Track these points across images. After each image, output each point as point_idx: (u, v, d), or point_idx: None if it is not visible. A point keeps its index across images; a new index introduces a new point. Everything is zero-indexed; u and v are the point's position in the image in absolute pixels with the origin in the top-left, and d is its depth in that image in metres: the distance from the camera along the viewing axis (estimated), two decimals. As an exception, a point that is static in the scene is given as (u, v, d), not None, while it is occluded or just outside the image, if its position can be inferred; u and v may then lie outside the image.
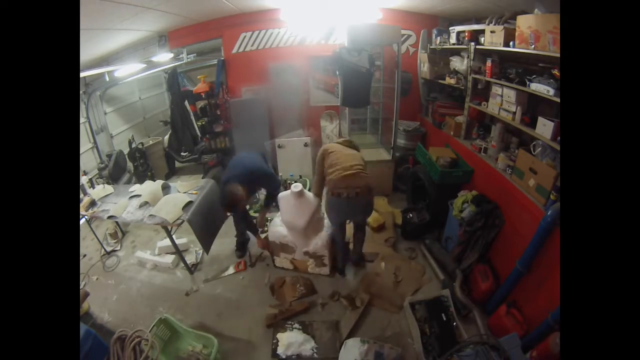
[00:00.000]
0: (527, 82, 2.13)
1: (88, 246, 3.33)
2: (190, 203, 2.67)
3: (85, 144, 4.12)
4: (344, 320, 2.32)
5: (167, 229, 2.62)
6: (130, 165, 4.42)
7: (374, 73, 3.17)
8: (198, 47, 4.15)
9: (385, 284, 2.62)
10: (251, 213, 3.70)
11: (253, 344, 2.22)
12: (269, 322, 2.30)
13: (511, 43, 2.24)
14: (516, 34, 2.17)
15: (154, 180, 3.17)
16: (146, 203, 2.70)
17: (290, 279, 2.66)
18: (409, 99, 4.00)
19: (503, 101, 2.43)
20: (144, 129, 5.53)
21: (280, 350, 2.10)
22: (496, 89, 2.51)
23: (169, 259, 2.98)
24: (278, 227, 2.69)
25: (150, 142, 4.68)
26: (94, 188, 3.20)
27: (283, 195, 2.59)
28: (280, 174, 4.10)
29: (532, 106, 2.31)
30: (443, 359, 1.74)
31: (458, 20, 3.51)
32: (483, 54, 2.72)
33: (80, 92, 3.97)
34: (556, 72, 1.91)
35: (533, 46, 2.01)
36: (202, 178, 3.93)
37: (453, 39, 3.19)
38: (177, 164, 5.09)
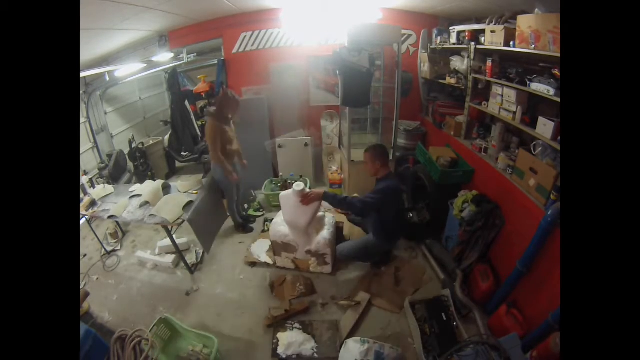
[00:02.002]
0: (528, 82, 2.12)
1: (88, 246, 3.34)
2: (190, 203, 2.67)
3: (85, 144, 4.12)
4: (344, 320, 2.32)
5: (167, 228, 2.63)
6: (130, 165, 4.43)
7: (374, 73, 3.17)
8: (198, 47, 4.15)
9: (385, 284, 2.62)
10: (251, 212, 3.72)
11: (253, 344, 2.22)
12: (269, 322, 2.31)
13: (511, 43, 2.24)
14: (516, 33, 2.17)
15: (155, 180, 3.18)
16: (146, 203, 2.70)
17: (290, 277, 2.66)
18: (410, 98, 4.00)
19: (503, 101, 2.42)
20: (144, 128, 5.53)
21: (280, 350, 2.10)
22: (496, 89, 2.51)
23: (170, 258, 2.98)
24: (280, 226, 2.70)
25: (151, 142, 4.68)
26: (94, 188, 3.20)
27: (284, 194, 2.59)
28: (280, 174, 4.11)
29: (533, 106, 2.31)
30: (443, 359, 1.74)
31: (458, 20, 3.50)
32: (483, 54, 2.72)
33: (81, 92, 3.97)
34: (556, 72, 1.91)
35: (533, 46, 2.01)
36: (203, 178, 3.93)
37: (453, 39, 3.19)
38: (178, 164, 5.09)
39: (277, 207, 2.96)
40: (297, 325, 2.27)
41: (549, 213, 1.77)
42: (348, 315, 2.35)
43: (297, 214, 2.51)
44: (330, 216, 2.88)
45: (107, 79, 3.68)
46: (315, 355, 2.09)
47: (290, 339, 2.13)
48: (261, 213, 3.71)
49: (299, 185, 2.46)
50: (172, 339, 2.14)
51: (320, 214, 2.69)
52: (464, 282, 2.44)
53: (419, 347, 2.04)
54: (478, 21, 2.98)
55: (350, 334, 2.20)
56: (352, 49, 3.00)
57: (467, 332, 2.07)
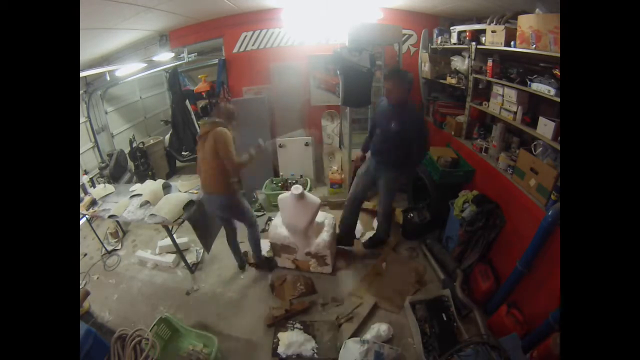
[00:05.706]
0: (528, 82, 2.12)
1: (89, 245, 3.34)
2: (191, 202, 2.67)
3: (86, 144, 4.12)
4: (346, 323, 2.31)
5: (167, 228, 2.63)
6: (131, 164, 4.43)
7: (375, 73, 3.16)
8: (199, 46, 4.14)
9: (385, 284, 2.62)
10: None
11: (253, 343, 2.22)
12: (270, 322, 2.31)
13: (512, 43, 2.24)
14: (517, 33, 2.17)
15: (155, 180, 3.18)
16: (147, 202, 2.70)
17: (291, 277, 2.66)
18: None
19: (504, 101, 2.42)
20: (145, 128, 5.53)
21: (280, 350, 2.10)
22: (497, 89, 2.50)
23: (170, 258, 2.98)
24: (279, 228, 2.69)
25: (151, 142, 4.68)
26: (94, 187, 3.21)
27: (283, 197, 2.59)
28: (281, 174, 4.11)
29: (533, 106, 2.31)
30: (443, 359, 1.74)
31: (459, 19, 3.50)
32: (484, 54, 2.72)
33: (81, 91, 3.97)
34: (557, 71, 1.91)
35: (534, 46, 2.01)
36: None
37: (454, 39, 3.18)
38: (178, 164, 5.09)
39: (278, 207, 2.96)
40: (298, 325, 2.27)
41: (549, 213, 1.76)
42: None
43: (296, 217, 2.50)
44: (330, 217, 2.88)
45: (108, 78, 3.68)
46: (316, 355, 2.09)
47: (291, 339, 2.13)
48: (262, 213, 3.71)
49: (297, 189, 2.45)
50: (172, 339, 2.14)
51: (319, 216, 2.69)
52: (465, 282, 2.43)
53: (419, 347, 2.04)
54: (479, 21, 2.98)
55: (351, 335, 2.20)
56: (352, 49, 3.00)
57: (467, 332, 2.07)
